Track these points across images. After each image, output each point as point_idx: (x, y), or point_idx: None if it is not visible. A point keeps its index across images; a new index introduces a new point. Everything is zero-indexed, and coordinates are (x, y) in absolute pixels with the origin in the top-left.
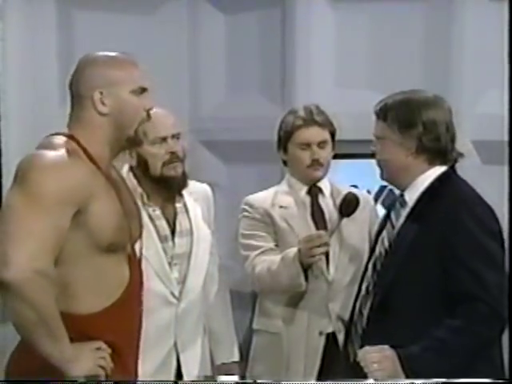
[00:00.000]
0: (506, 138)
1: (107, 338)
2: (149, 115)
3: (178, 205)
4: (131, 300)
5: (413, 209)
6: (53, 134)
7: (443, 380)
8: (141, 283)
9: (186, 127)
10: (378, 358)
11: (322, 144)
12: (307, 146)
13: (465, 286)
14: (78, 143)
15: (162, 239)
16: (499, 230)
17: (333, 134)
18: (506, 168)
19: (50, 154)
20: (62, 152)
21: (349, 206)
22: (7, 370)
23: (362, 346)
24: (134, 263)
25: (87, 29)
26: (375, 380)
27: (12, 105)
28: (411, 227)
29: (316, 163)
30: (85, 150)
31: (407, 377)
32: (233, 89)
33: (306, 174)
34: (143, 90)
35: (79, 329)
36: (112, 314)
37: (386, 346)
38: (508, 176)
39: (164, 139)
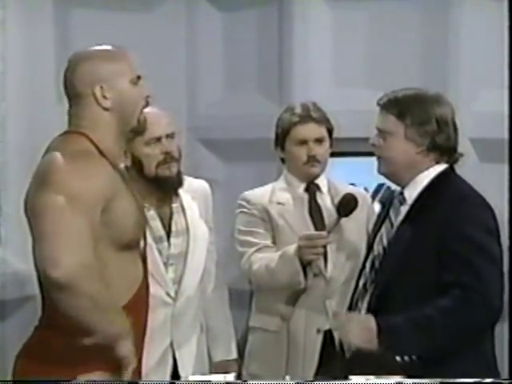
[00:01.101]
0: (505, 135)
1: None
2: (147, 102)
3: (175, 204)
4: (145, 296)
5: (412, 207)
6: (63, 133)
7: (440, 380)
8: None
9: (183, 125)
10: (356, 326)
11: (318, 140)
12: (304, 142)
13: (460, 277)
14: (91, 141)
15: (157, 240)
16: (497, 229)
17: (330, 131)
18: (503, 166)
19: (72, 155)
20: (81, 151)
21: (347, 206)
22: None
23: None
24: (146, 259)
25: (84, 27)
26: (350, 346)
27: (10, 103)
28: (410, 225)
29: (312, 159)
30: (97, 148)
31: (381, 346)
32: (230, 87)
33: (303, 170)
34: (139, 78)
35: None
36: (129, 310)
37: (368, 316)
38: (508, 175)
39: (158, 139)
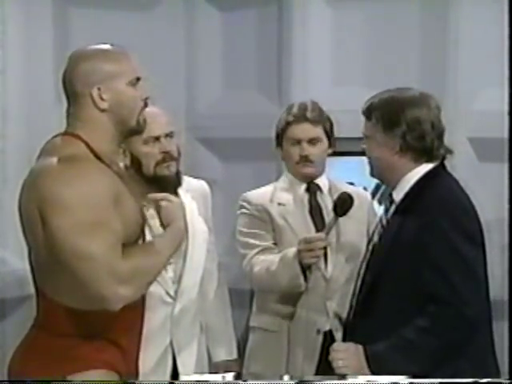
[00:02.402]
0: (504, 135)
1: (116, 334)
2: (146, 104)
3: None
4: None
5: (397, 207)
6: (57, 135)
7: (439, 380)
8: None
9: (182, 124)
10: (343, 355)
11: (312, 141)
12: (297, 142)
13: (434, 289)
14: (85, 143)
15: None
16: (480, 232)
17: (328, 132)
18: (502, 165)
19: (73, 165)
20: (79, 159)
21: (343, 205)
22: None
23: (344, 341)
24: None
25: (83, 26)
26: (341, 375)
27: (9, 103)
28: (393, 226)
29: (304, 159)
30: (92, 150)
31: (373, 373)
32: (229, 86)
33: (296, 170)
34: (138, 79)
35: (93, 324)
36: (126, 309)
37: (352, 344)
38: (508, 174)
39: (157, 138)
